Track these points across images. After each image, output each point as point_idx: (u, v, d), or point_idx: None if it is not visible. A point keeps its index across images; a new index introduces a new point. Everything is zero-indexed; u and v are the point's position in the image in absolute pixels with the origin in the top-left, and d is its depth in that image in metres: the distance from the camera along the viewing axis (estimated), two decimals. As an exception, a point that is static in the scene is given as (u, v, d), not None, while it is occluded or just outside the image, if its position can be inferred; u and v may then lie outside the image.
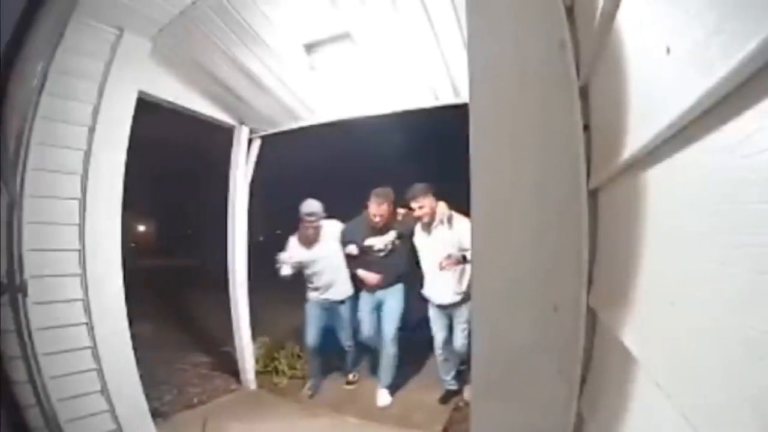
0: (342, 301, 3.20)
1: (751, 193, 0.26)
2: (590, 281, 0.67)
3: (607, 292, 0.61)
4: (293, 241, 3.12)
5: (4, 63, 1.45)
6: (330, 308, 3.20)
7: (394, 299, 3.08)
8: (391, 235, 3.05)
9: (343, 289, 3.19)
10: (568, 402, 0.67)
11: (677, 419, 0.33)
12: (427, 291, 2.90)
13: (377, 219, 2.99)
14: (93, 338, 2.03)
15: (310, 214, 2.99)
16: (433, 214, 2.73)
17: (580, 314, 0.67)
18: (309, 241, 3.09)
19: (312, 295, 3.20)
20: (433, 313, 2.92)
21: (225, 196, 3.27)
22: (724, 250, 0.29)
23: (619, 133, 0.54)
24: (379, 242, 3.07)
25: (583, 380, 0.68)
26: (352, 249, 3.05)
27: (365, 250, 3.05)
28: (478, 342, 0.75)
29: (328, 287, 3.16)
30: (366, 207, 3.04)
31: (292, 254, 3.05)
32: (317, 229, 3.05)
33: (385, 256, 3.06)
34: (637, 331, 0.47)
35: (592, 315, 0.66)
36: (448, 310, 2.80)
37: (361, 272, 3.03)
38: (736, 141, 0.28)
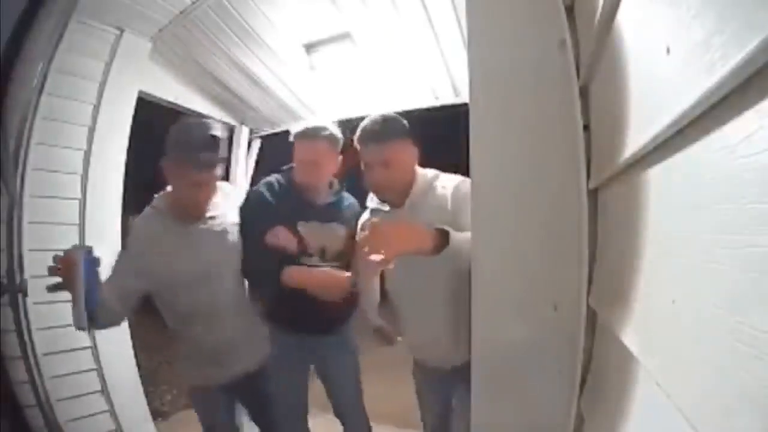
0: (254, 375, 1.52)
1: (751, 193, 0.26)
2: (590, 281, 0.67)
3: (607, 292, 0.61)
4: (142, 227, 1.40)
5: (4, 63, 1.45)
6: (235, 388, 1.52)
7: (340, 359, 1.67)
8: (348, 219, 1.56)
9: (252, 346, 1.52)
10: (568, 402, 0.67)
11: (677, 419, 0.33)
12: (410, 340, 1.45)
13: (308, 182, 1.51)
14: (93, 338, 2.04)
15: (202, 148, 1.28)
16: (405, 176, 1.34)
17: (580, 314, 0.67)
18: (187, 219, 1.39)
19: (192, 373, 1.51)
20: (422, 384, 1.54)
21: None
22: (725, 250, 0.29)
23: (619, 133, 0.54)
24: (320, 235, 1.52)
25: (583, 380, 0.68)
26: (287, 240, 1.45)
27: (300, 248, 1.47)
28: (477, 342, 0.75)
29: (220, 347, 1.43)
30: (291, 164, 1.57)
31: (124, 261, 1.35)
32: (211, 190, 1.39)
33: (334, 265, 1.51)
34: (637, 330, 0.47)
35: (592, 315, 0.66)
36: (448, 379, 1.38)
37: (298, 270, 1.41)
38: (736, 141, 0.28)
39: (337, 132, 1.56)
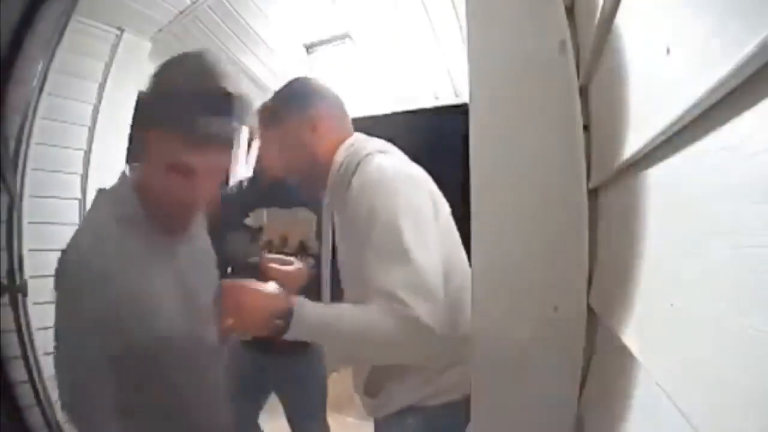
0: None
1: (751, 193, 0.26)
2: (590, 281, 0.67)
3: (607, 292, 0.61)
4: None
5: (4, 63, 1.45)
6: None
7: (305, 387, 1.49)
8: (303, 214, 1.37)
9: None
10: (568, 402, 0.67)
11: (677, 419, 0.33)
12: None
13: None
14: (93, 338, 2.03)
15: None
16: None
17: (580, 314, 0.67)
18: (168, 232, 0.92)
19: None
20: None
21: (225, 196, 3.23)
22: (724, 250, 0.29)
23: (619, 133, 0.54)
24: (280, 222, 1.39)
25: (583, 380, 0.68)
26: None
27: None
28: (477, 342, 0.75)
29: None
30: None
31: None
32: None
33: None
34: (638, 331, 0.47)
35: (592, 315, 0.66)
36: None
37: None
38: (736, 141, 0.28)
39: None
